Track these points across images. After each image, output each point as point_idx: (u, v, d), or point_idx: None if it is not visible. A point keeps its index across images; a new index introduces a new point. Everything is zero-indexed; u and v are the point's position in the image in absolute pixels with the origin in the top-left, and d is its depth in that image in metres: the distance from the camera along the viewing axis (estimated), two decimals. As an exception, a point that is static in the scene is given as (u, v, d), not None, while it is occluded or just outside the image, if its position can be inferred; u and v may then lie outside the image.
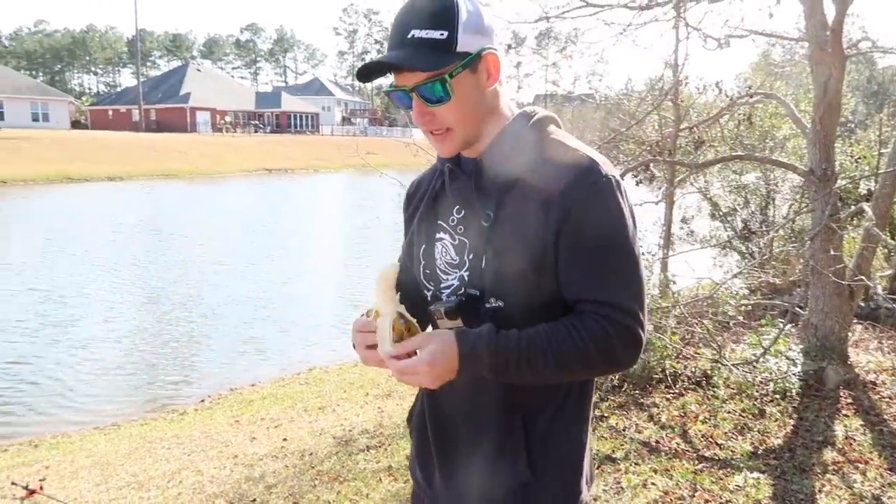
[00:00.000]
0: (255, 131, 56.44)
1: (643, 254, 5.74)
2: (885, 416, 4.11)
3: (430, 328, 1.29)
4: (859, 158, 7.08)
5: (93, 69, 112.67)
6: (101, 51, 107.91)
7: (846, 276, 4.63)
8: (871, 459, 3.58)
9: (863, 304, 5.89)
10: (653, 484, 3.34)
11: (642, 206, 5.13)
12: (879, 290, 6.11)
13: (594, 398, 1.38)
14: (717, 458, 3.63)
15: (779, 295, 6.63)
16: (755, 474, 3.41)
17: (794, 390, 4.35)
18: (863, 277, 4.68)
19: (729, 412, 4.17)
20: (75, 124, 52.40)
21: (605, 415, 4.18)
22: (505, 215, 1.20)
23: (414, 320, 1.19)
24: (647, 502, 3.18)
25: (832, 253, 4.61)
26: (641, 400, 4.38)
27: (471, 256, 1.24)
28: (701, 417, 4.12)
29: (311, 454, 4.14)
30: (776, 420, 4.05)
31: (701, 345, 4.98)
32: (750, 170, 7.99)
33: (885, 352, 5.21)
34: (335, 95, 76.30)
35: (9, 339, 8.12)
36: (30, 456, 5.09)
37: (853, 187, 6.40)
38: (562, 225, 1.15)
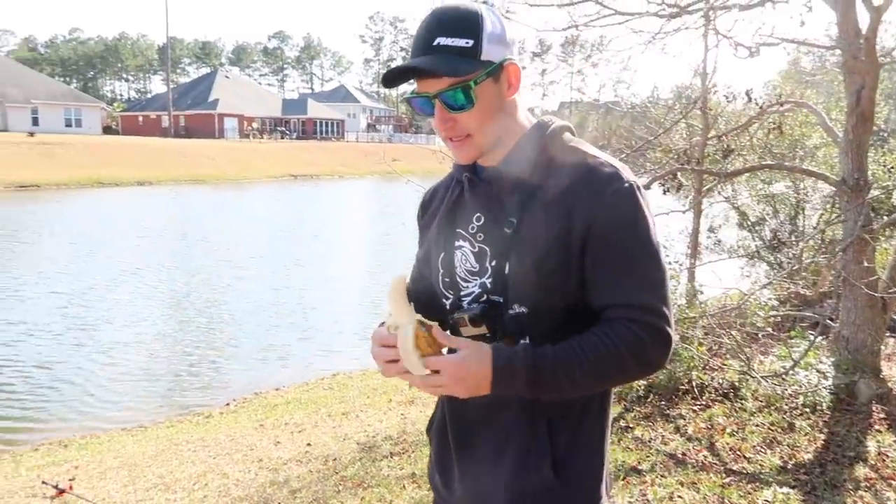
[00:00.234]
0: (282, 137, 57.03)
1: (670, 263, 5.69)
2: (920, 433, 4.01)
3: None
4: (892, 168, 6.93)
5: (124, 76, 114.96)
6: (132, 58, 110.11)
7: (879, 287, 4.54)
8: (906, 476, 3.49)
9: (896, 317, 5.76)
10: (679, 497, 3.30)
11: (669, 215, 5.09)
12: (913, 303, 5.96)
13: (615, 406, 1.38)
14: (745, 471, 3.57)
15: (809, 306, 6.51)
16: (785, 489, 3.35)
17: (824, 404, 4.26)
18: (896, 289, 4.58)
19: (757, 425, 4.10)
20: (107, 130, 53.47)
21: (631, 425, 4.14)
22: (528, 222, 1.22)
23: (434, 323, 1.18)
24: (674, 515, 3.14)
25: (865, 264, 4.52)
26: (667, 411, 4.33)
27: (493, 263, 1.25)
28: (728, 430, 4.05)
29: (334, 459, 4.16)
30: (806, 434, 3.97)
31: (728, 356, 4.91)
32: (779, 179, 7.87)
33: (920, 366, 5.08)
34: (360, 102, 76.85)
35: (36, 342, 8.27)
36: (59, 455, 5.19)
37: (886, 197, 6.27)
38: (587, 231, 1.18)
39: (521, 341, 1.22)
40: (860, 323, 4.64)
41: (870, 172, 4.94)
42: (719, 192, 7.80)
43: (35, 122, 45.55)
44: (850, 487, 3.38)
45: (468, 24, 1.19)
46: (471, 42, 1.18)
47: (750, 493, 3.32)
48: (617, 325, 1.17)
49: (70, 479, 4.09)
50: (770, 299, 6.15)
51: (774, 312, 5.81)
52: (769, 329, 5.31)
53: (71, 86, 74.65)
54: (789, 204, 7.92)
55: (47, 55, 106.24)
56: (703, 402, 4.42)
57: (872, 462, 3.65)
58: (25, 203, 23.53)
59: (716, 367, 4.75)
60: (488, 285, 1.26)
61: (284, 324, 9.62)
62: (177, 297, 11.03)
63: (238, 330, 9.18)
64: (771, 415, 4.21)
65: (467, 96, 1.20)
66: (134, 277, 12.13)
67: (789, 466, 3.62)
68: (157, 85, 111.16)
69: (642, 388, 4.47)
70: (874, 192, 5.20)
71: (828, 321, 5.11)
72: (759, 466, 3.62)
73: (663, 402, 4.42)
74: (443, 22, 1.20)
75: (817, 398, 4.28)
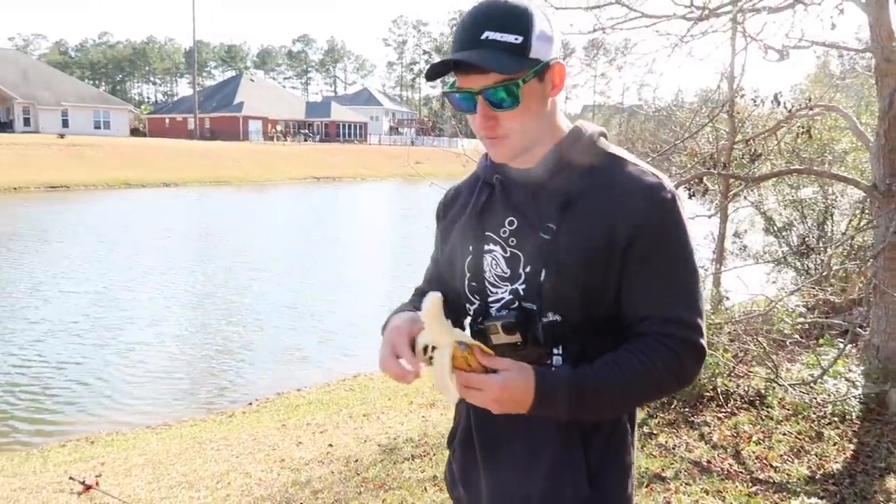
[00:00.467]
0: (305, 140, 57.51)
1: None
2: (954, 444, 3.91)
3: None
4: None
5: (152, 79, 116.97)
6: (159, 61, 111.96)
7: (911, 295, 4.44)
8: (938, 489, 3.41)
9: (928, 326, 5.62)
10: (704, 505, 3.25)
11: (695, 220, 5.02)
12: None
13: (639, 412, 1.37)
14: (771, 480, 3.51)
15: (838, 314, 6.39)
16: (813, 500, 3.28)
17: (854, 413, 4.18)
18: (929, 297, 4.47)
19: (784, 434, 4.03)
20: (134, 132, 54.39)
21: (655, 432, 4.09)
22: (567, 229, 1.19)
23: (476, 342, 1.13)
24: (698, 524, 3.10)
25: (896, 271, 4.42)
26: (692, 418, 4.28)
27: (527, 269, 1.22)
28: (754, 438, 3.99)
29: (356, 461, 4.17)
30: (835, 444, 3.89)
31: (754, 363, 4.83)
32: (807, 184, 7.75)
33: (953, 376, 4.96)
34: (383, 105, 77.28)
35: (62, 341, 8.39)
36: (86, 452, 5.27)
37: (919, 203, 6.13)
38: (629, 241, 1.17)
39: (554, 350, 1.21)
40: (891, 331, 4.54)
41: (902, 177, 4.83)
42: (745, 197, 7.69)
43: (65, 124, 46.49)
44: (881, 499, 3.31)
45: (518, 19, 1.15)
46: (520, 38, 1.14)
47: (777, 503, 3.26)
48: (653, 341, 1.16)
49: (96, 476, 4.15)
50: (798, 306, 6.04)
51: (802, 319, 5.71)
52: (797, 336, 5.21)
53: (100, 88, 76.11)
54: (817, 209, 7.79)
55: (77, 59, 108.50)
56: (729, 410, 4.36)
57: (904, 474, 3.57)
58: (54, 203, 23.99)
59: (741, 374, 4.68)
60: (521, 292, 1.22)
61: (305, 325, 9.68)
62: (199, 298, 11.15)
63: (259, 330, 9.26)
64: (798, 423, 4.14)
65: (513, 95, 1.15)
66: (157, 278, 12.29)
67: (817, 476, 3.55)
68: (183, 88, 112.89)
69: (666, 394, 4.41)
70: (906, 198, 5.08)
71: (858, 329, 5.01)
72: (786, 476, 3.56)
73: (687, 409, 4.37)
74: (492, 15, 1.15)
75: (846, 407, 4.20)
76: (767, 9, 4.55)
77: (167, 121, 59.89)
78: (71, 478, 4.07)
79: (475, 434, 1.33)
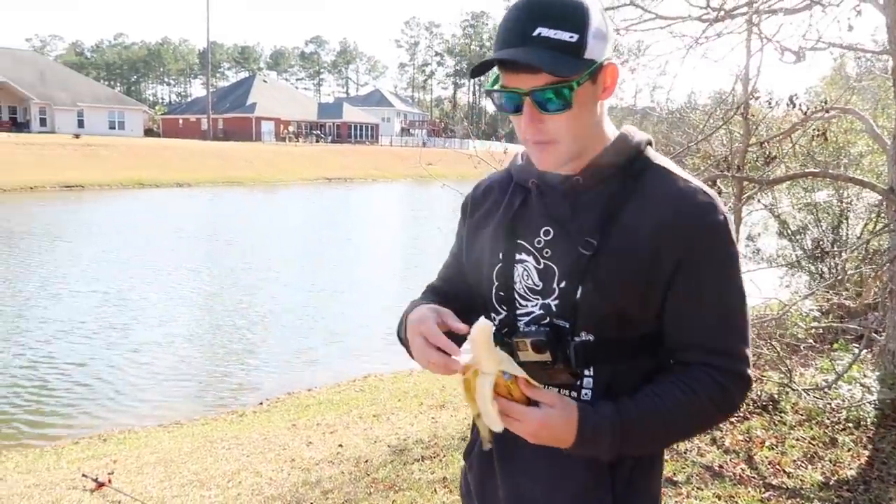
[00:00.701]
0: (317, 141, 57.69)
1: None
2: (971, 452, 3.85)
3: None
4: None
5: (166, 80, 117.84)
6: (174, 62, 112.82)
7: (928, 300, 4.38)
8: (955, 497, 3.36)
9: (945, 331, 5.55)
10: (716, 510, 3.23)
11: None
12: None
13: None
14: (784, 486, 3.47)
15: (852, 318, 6.32)
16: (826, 506, 3.25)
17: (868, 419, 4.13)
18: (947, 303, 4.41)
19: (798, 439, 3.99)
20: (148, 132, 54.81)
21: (666, 436, 4.06)
22: (610, 246, 1.10)
23: (522, 372, 1.07)
24: (710, 529, 3.07)
25: (913, 276, 4.37)
26: (704, 422, 4.24)
27: (562, 285, 1.13)
28: (767, 443, 3.95)
29: (366, 461, 4.17)
30: (849, 450, 3.85)
31: (767, 367, 4.79)
32: (821, 187, 7.68)
33: (970, 382, 4.89)
34: (395, 107, 77.40)
35: (72, 340, 8.44)
36: (99, 450, 5.31)
37: (936, 207, 6.06)
38: (678, 264, 1.09)
39: (585, 372, 1.14)
40: (907, 336, 4.49)
41: (919, 181, 4.78)
42: (759, 200, 7.64)
43: (80, 124, 46.94)
44: (896, 506, 3.27)
45: (574, 15, 1.04)
46: (575, 37, 1.03)
47: (790, 509, 3.23)
48: (699, 372, 1.10)
49: (109, 473, 4.18)
50: (812, 310, 6.00)
51: (816, 324, 5.66)
52: (810, 340, 5.17)
53: (115, 89, 76.73)
54: (832, 213, 7.73)
55: (93, 59, 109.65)
56: (741, 414, 4.32)
57: (920, 481, 3.53)
58: (69, 203, 24.21)
59: (755, 379, 4.64)
60: (553, 308, 1.14)
61: (316, 326, 9.70)
62: (210, 298, 11.21)
63: (270, 331, 9.29)
64: (812, 429, 4.10)
65: (565, 98, 1.05)
66: (167, 277, 12.36)
67: (831, 483, 3.51)
68: (197, 89, 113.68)
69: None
70: (923, 202, 5.03)
71: (873, 334, 4.95)
72: (799, 481, 3.52)
73: (700, 413, 4.33)
74: (545, 9, 1.04)
75: (861, 413, 4.15)
76: (784, 10, 4.51)
77: (181, 121, 60.28)
78: (84, 475, 4.11)
79: (497, 457, 1.26)
